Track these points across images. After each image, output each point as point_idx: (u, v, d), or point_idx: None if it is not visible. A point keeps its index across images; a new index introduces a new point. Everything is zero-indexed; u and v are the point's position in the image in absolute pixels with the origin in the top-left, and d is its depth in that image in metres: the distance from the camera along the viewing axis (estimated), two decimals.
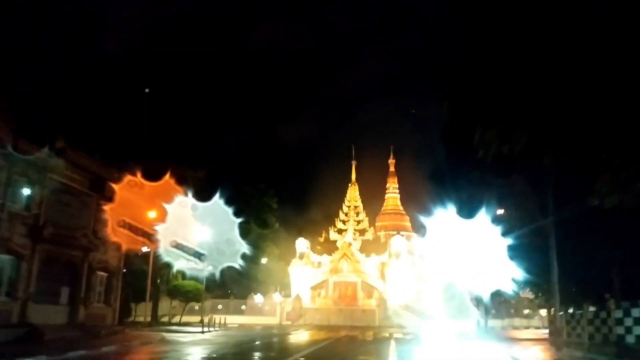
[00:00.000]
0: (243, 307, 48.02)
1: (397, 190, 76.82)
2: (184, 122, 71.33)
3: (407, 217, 75.34)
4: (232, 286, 56.48)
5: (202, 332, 28.25)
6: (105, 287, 22.83)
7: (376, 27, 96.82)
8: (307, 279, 56.32)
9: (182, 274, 43.58)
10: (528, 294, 56.40)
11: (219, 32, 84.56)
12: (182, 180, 36.32)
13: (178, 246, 32.64)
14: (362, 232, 61.74)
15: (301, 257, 58.40)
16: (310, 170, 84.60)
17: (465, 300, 41.74)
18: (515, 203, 30.93)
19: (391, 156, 77.21)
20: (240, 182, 64.56)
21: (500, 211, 29.93)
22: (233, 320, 45.34)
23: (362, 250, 57.76)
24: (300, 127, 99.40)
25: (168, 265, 41.70)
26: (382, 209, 77.24)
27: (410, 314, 48.24)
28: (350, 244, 57.02)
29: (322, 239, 61.34)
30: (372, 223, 64.63)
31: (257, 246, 63.22)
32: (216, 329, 32.43)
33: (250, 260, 60.30)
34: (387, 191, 77.50)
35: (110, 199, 22.01)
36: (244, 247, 33.35)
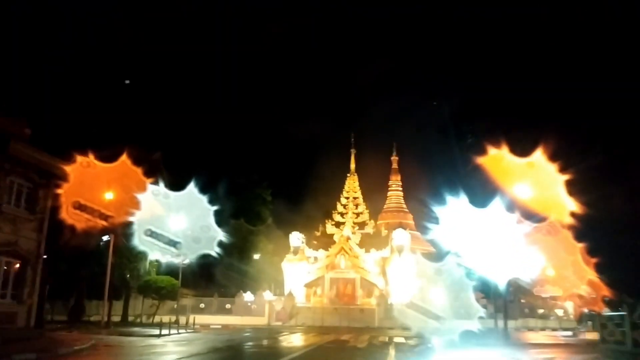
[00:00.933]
0: (228, 306, 41.94)
1: (400, 188, 71.90)
2: (173, 112, 65.14)
3: (411, 215, 70.59)
4: (221, 283, 50.83)
5: (159, 335, 22.23)
6: (14, 278, 16.83)
7: (383, 24, 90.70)
8: (301, 276, 50.33)
9: (157, 268, 37.77)
10: (542, 291, 50.50)
11: (221, 30, 78.45)
12: (155, 165, 31.14)
13: (152, 234, 28.13)
14: (361, 225, 55.64)
15: (295, 252, 52.39)
16: (307, 161, 78.56)
17: (470, 298, 37.32)
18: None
19: (394, 153, 72.53)
20: (232, 172, 59.05)
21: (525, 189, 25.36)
22: (217, 320, 39.40)
23: (361, 244, 51.75)
24: (296, 116, 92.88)
25: (139, 259, 35.95)
26: (385, 206, 72.48)
27: (416, 312, 42.14)
28: (348, 238, 50.97)
29: (318, 233, 55.30)
30: (372, 216, 58.37)
31: (249, 241, 57.44)
32: (184, 331, 26.47)
33: (241, 255, 54.63)
34: (389, 188, 72.62)
35: (15, 160, 16.08)
36: (220, 235, 29.16)
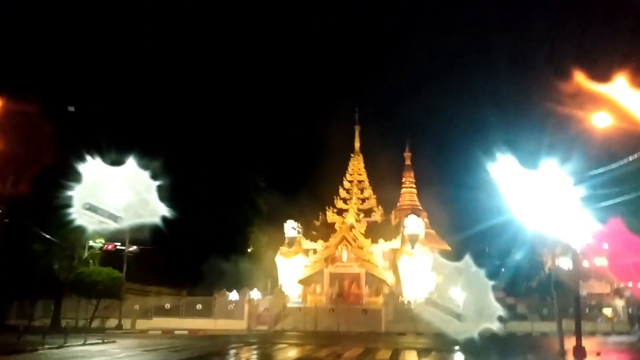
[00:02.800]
0: (199, 306, 32.83)
1: (414, 185, 63.32)
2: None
3: (425, 213, 61.68)
4: (207, 280, 42.12)
5: (24, 350, 13.30)
6: None
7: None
8: (297, 271, 41.34)
9: (99, 258, 29.04)
10: (585, 287, 41.04)
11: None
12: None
13: (91, 208, 22.29)
14: (367, 212, 46.38)
15: (290, 243, 43.38)
16: (306, 142, 68.29)
17: (490, 297, 31.67)
18: None
19: (407, 149, 62.71)
20: (220, 156, 50.41)
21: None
22: (187, 325, 30.52)
23: (367, 234, 42.54)
24: (293, 89, 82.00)
25: (71, 245, 27.26)
26: (398, 204, 63.36)
27: (435, 310, 33.36)
28: (352, 226, 41.75)
29: (318, 223, 46.13)
30: (380, 203, 48.88)
31: (240, 232, 48.78)
32: (105, 340, 17.52)
33: (229, 249, 45.88)
34: (403, 186, 63.88)
35: None
36: (164, 211, 21.99)
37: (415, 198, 64.06)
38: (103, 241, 28.09)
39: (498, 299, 35.28)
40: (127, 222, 26.29)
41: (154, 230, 39.21)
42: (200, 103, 51.94)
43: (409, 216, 43.90)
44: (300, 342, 19.98)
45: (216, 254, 44.19)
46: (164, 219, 39.06)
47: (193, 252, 44.30)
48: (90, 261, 27.50)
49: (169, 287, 43.48)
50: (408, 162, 64.50)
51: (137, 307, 32.23)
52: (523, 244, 44.70)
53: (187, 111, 50.71)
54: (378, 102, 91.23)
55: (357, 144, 50.31)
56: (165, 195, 41.21)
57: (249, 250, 49.51)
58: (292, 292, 40.82)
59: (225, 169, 49.04)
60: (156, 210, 25.91)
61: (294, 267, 42.03)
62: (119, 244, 28.38)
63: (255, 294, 38.89)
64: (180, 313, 32.34)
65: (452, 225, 58.85)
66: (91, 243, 27.53)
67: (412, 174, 64.72)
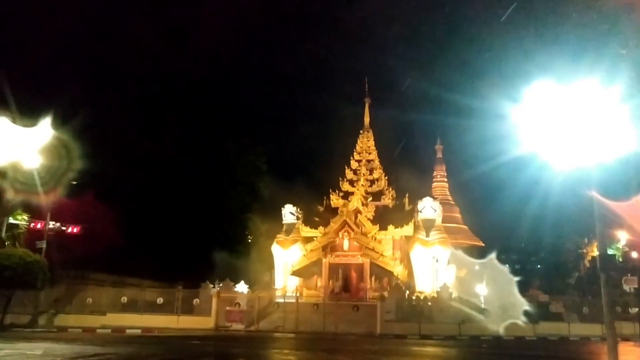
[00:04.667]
0: (160, 300, 26.79)
1: (445, 179, 57.29)
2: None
3: (457, 208, 55.93)
4: (198, 272, 36.24)
5: None
6: None
7: None
8: (294, 261, 34.96)
9: (22, 238, 23.28)
10: (633, 282, 33.03)
11: None
12: None
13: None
14: (377, 195, 39.35)
15: (288, 231, 36.96)
16: (313, 122, 61.08)
17: (515, 294, 27.65)
18: None
19: (438, 141, 57.48)
20: (217, 134, 44.69)
21: None
22: (142, 322, 24.71)
23: (376, 220, 35.69)
24: (299, 64, 73.99)
25: None
26: None
27: (455, 304, 26.72)
28: (357, 211, 35.02)
29: (322, 208, 39.54)
30: (395, 187, 41.61)
31: (236, 219, 42.77)
32: None
33: (220, 237, 40.01)
34: (434, 180, 57.89)
35: None
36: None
37: (447, 192, 57.52)
38: (26, 218, 22.41)
39: (528, 296, 28.84)
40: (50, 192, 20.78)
41: (128, 213, 33.71)
42: (197, 72, 46.25)
43: (423, 199, 36.67)
44: (229, 352, 13.48)
45: (209, 242, 38.48)
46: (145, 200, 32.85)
47: (181, 240, 38.75)
48: (8, 242, 21.81)
49: (155, 279, 37.80)
50: (439, 155, 58.35)
51: (90, 300, 26.56)
52: (562, 230, 37.85)
53: (179, 83, 45.27)
54: (392, 73, 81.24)
55: (366, 119, 43.28)
56: (146, 177, 34.93)
57: (248, 240, 43.47)
58: (289, 285, 34.59)
59: (222, 150, 43.39)
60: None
61: (292, 257, 35.72)
62: (54, 222, 22.59)
63: (242, 287, 32.82)
64: (139, 308, 26.37)
65: (487, 221, 52.48)
66: (11, 220, 21.92)
67: (443, 167, 58.44)
